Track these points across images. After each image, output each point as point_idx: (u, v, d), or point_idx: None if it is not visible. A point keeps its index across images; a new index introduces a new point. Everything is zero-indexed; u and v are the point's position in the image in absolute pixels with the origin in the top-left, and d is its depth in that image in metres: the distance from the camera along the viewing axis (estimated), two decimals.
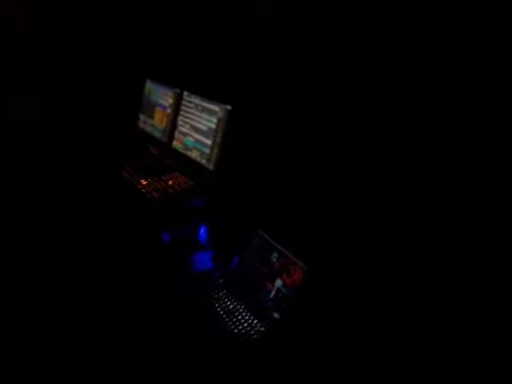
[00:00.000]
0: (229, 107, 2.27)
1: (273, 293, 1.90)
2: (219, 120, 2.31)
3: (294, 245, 1.91)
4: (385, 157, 1.77)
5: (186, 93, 2.62)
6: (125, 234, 2.31)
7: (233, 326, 1.81)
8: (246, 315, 1.87)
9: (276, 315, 1.83)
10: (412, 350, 1.62)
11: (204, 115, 2.43)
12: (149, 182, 2.44)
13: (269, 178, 2.14)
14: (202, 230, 2.16)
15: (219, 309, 1.87)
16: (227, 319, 1.84)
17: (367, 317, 1.71)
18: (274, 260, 1.96)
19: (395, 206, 1.73)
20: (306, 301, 1.80)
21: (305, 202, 2.00)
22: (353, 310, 1.73)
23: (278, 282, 1.90)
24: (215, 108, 2.34)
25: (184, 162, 2.55)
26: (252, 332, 1.81)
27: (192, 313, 1.82)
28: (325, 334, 1.75)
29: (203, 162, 2.39)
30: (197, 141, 2.47)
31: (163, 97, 2.82)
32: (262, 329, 1.83)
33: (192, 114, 2.54)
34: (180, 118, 2.65)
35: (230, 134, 2.27)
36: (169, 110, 2.76)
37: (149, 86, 3.01)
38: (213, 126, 2.35)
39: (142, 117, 3.06)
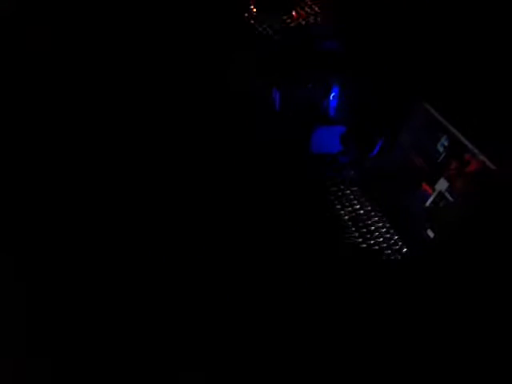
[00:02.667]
0: None
1: (431, 199, 1.24)
2: None
3: (479, 130, 1.16)
4: None
5: None
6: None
7: (360, 239, 1.25)
8: (382, 226, 1.29)
9: (430, 234, 1.20)
10: None
11: None
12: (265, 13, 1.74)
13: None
14: (333, 94, 1.48)
15: (343, 212, 1.31)
16: (353, 228, 1.28)
17: None
18: (441, 149, 1.25)
19: None
20: (485, 219, 1.11)
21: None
22: None
23: (442, 184, 1.22)
24: None
25: None
26: (388, 251, 1.24)
27: (302, 214, 1.30)
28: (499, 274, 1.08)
29: None
30: None
31: None
32: (405, 249, 1.24)
33: None
34: None
35: None
36: None
37: None
38: None
39: None
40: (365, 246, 1.24)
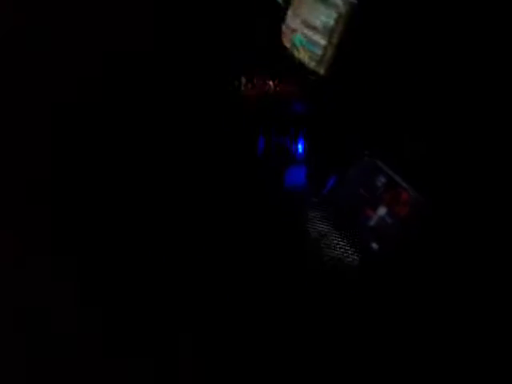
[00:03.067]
0: (354, 1, 1.91)
1: (373, 221, 1.68)
2: (340, 16, 1.96)
3: (410, 171, 1.64)
4: None
5: None
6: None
7: (325, 250, 1.65)
8: (340, 241, 1.69)
9: (374, 246, 1.63)
10: None
11: (322, 8, 2.08)
12: (246, 78, 2.18)
13: (389, 91, 1.82)
14: (300, 143, 1.94)
15: (310, 232, 1.71)
16: (318, 242, 1.67)
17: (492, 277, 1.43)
18: (379, 185, 1.71)
19: None
20: (413, 239, 1.56)
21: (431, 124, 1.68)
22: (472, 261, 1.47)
23: (382, 210, 1.67)
24: (337, 0, 1.99)
25: (288, 63, 2.26)
26: (347, 259, 1.64)
27: (282, 231, 1.67)
28: (426, 279, 1.53)
29: (312, 64, 2.09)
30: (307, 39, 2.15)
31: None
32: (356, 257, 1.65)
33: (306, 6, 2.20)
34: (291, 9, 2.31)
35: (350, 35, 1.93)
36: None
37: None
38: (331, 22, 2.01)
39: None
40: (329, 255, 1.63)
